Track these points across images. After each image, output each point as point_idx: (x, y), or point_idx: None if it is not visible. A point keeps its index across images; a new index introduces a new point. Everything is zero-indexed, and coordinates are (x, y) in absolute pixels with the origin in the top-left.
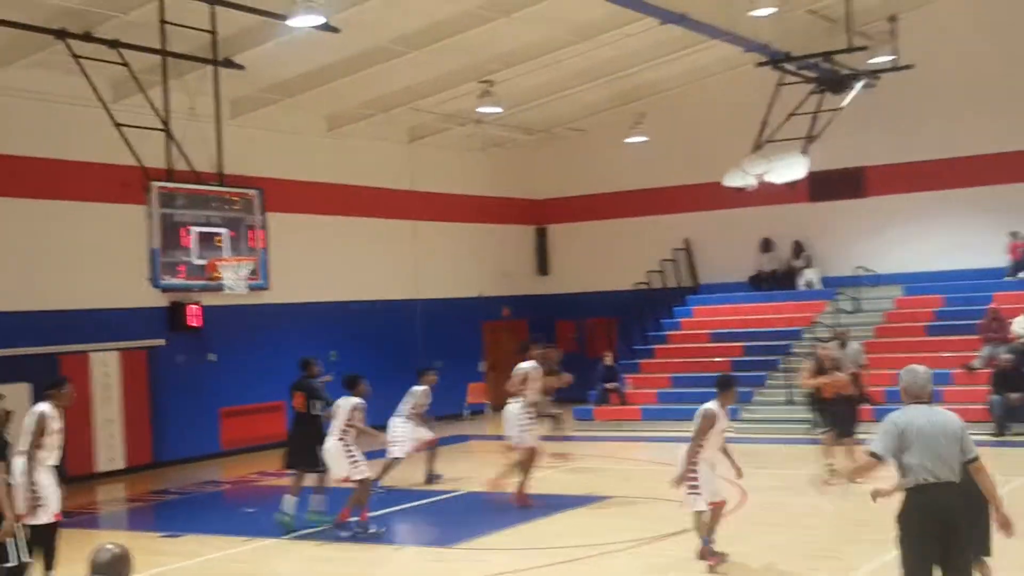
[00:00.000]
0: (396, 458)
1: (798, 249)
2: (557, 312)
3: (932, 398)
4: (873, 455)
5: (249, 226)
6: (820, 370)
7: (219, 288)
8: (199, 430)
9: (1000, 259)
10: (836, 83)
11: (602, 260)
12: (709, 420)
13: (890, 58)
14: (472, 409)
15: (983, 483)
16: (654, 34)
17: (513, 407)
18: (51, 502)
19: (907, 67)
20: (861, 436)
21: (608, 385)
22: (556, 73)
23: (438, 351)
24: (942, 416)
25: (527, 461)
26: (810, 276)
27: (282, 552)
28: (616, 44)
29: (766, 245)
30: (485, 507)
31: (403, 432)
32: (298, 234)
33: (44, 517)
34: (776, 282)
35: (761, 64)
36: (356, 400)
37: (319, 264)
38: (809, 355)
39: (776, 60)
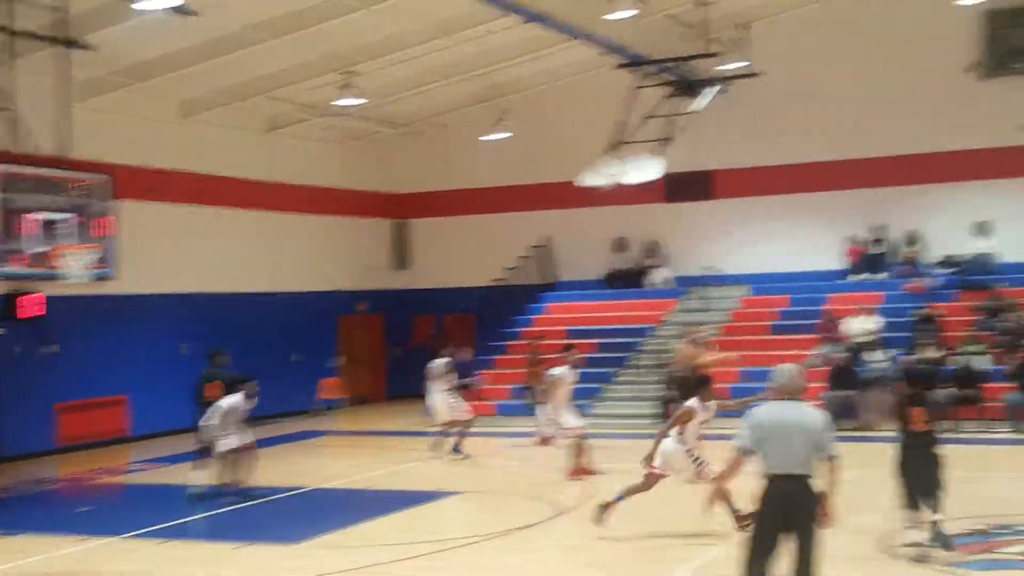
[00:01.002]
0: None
1: (651, 249)
2: (415, 307)
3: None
4: (738, 449)
5: (97, 213)
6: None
7: (60, 277)
8: (34, 425)
9: (841, 261)
10: (691, 88)
11: (461, 255)
12: (688, 413)
13: (742, 65)
14: (326, 404)
15: (828, 479)
16: (516, 32)
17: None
18: None
19: (756, 75)
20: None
21: (463, 381)
22: (418, 67)
23: (293, 345)
24: (802, 413)
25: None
26: (662, 275)
27: (119, 552)
28: (478, 41)
29: (620, 244)
30: (332, 504)
31: (451, 402)
32: (150, 222)
33: None
34: (630, 280)
35: (620, 66)
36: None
37: (172, 254)
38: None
39: (634, 63)
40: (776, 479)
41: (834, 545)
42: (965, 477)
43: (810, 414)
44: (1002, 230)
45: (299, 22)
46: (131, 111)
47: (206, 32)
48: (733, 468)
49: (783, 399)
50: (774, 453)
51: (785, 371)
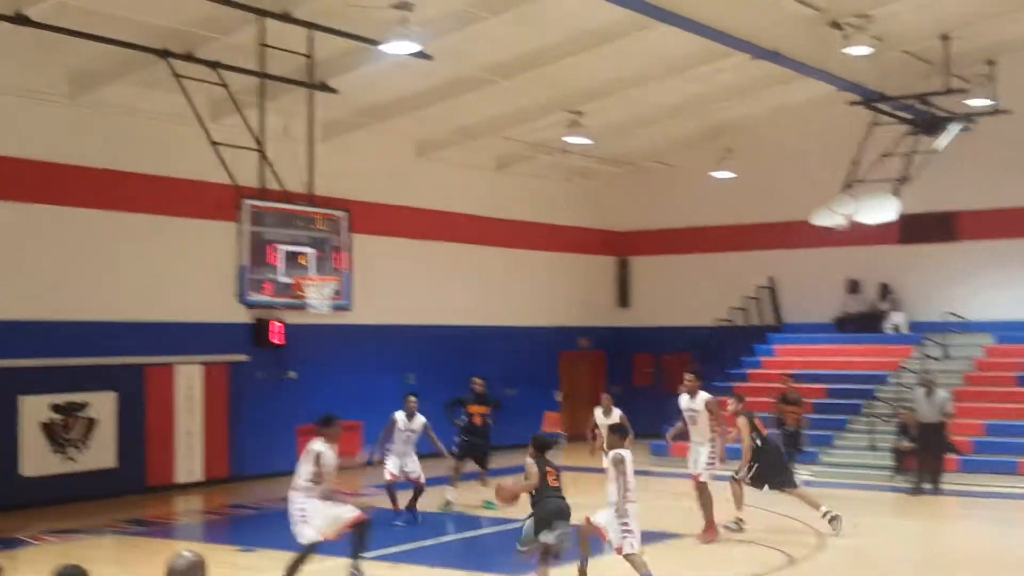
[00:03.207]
0: None
1: (885, 292)
2: (635, 345)
3: None
4: None
5: (335, 247)
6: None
7: (303, 306)
8: (276, 446)
9: None
10: (931, 125)
11: (683, 295)
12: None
13: (987, 102)
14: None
15: None
16: (745, 69)
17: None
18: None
19: (1005, 112)
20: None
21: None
22: (644, 106)
23: (515, 379)
24: None
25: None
26: (897, 320)
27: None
28: (707, 79)
29: (853, 286)
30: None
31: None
32: (383, 256)
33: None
34: (862, 324)
35: (854, 103)
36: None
37: (402, 287)
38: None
39: (870, 100)
40: None
41: None
42: None
43: None
44: None
45: (530, 64)
46: (368, 150)
47: (440, 74)
48: None
49: None
50: None
51: None
